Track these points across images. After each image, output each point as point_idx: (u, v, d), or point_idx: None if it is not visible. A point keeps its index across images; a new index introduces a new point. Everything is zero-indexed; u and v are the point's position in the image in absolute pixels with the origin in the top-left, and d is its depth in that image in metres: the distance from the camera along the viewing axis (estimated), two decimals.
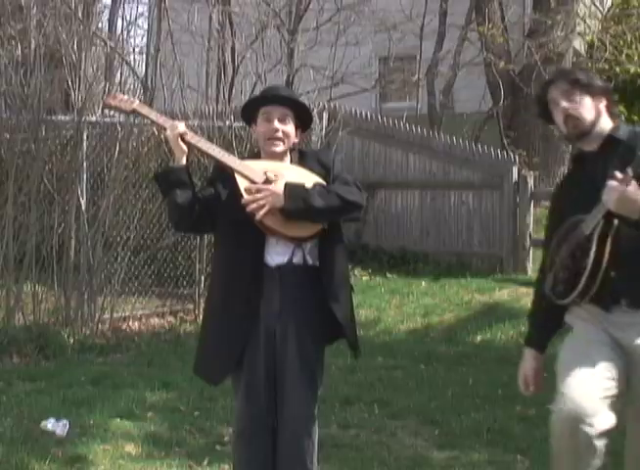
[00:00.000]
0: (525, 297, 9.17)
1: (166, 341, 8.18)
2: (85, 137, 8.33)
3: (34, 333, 7.65)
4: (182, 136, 3.67)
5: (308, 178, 3.60)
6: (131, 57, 14.94)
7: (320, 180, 3.61)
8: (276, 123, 3.64)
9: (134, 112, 3.85)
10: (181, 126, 3.70)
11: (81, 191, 8.22)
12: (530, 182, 10.28)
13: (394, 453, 5.09)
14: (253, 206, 3.49)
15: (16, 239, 7.86)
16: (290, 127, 3.70)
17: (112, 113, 10.23)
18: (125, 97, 3.90)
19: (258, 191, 3.51)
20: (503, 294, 9.36)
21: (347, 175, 3.73)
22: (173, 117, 9.45)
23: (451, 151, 10.88)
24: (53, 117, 8.34)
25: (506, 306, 8.93)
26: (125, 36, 14.88)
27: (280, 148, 3.67)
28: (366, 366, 7.09)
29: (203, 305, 8.98)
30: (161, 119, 3.80)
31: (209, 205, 3.67)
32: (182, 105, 9.93)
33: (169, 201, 3.70)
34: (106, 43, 12.64)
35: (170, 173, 3.72)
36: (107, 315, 8.30)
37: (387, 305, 9.30)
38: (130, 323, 8.58)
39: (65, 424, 5.38)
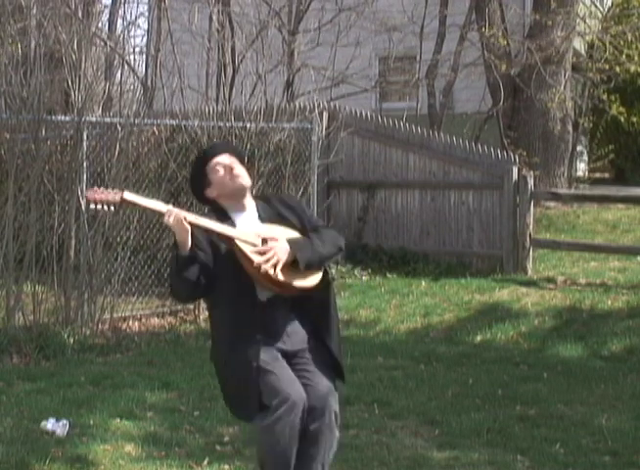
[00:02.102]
0: (525, 297, 9.17)
1: (166, 341, 8.18)
2: (85, 137, 8.33)
3: (34, 333, 7.66)
4: (185, 219, 3.72)
5: (291, 234, 3.86)
6: (131, 57, 14.97)
7: (298, 234, 3.88)
8: (228, 162, 3.90)
9: (123, 202, 3.79)
10: (179, 211, 3.74)
11: (81, 191, 8.22)
12: (530, 182, 10.28)
13: (394, 453, 5.09)
14: (268, 265, 3.69)
15: (16, 239, 7.86)
16: (241, 166, 3.93)
17: (111, 113, 10.27)
18: (108, 190, 3.83)
19: (266, 252, 3.72)
20: (503, 294, 9.36)
21: (319, 219, 4.06)
22: (173, 116, 9.48)
23: (451, 151, 10.87)
24: (53, 117, 8.34)
25: (506, 306, 8.93)
26: (125, 36, 14.88)
27: (245, 180, 3.91)
28: (366, 366, 7.09)
29: (203, 304, 9.00)
30: (155, 205, 3.81)
31: (209, 274, 3.79)
32: (182, 105, 9.94)
33: (179, 279, 3.77)
34: (106, 43, 12.66)
35: (181, 259, 3.75)
36: (107, 315, 8.30)
37: (387, 305, 9.30)
38: (130, 323, 8.58)
39: (65, 424, 5.38)
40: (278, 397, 3.69)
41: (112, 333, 8.20)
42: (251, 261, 3.71)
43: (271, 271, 3.69)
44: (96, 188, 3.82)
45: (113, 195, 3.75)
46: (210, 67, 12.21)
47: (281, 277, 3.72)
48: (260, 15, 12.95)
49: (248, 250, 3.74)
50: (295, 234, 3.87)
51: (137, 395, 6.20)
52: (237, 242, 3.75)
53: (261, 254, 3.72)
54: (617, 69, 13.39)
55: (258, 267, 3.69)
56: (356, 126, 11.10)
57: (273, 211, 3.95)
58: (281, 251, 3.73)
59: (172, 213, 3.72)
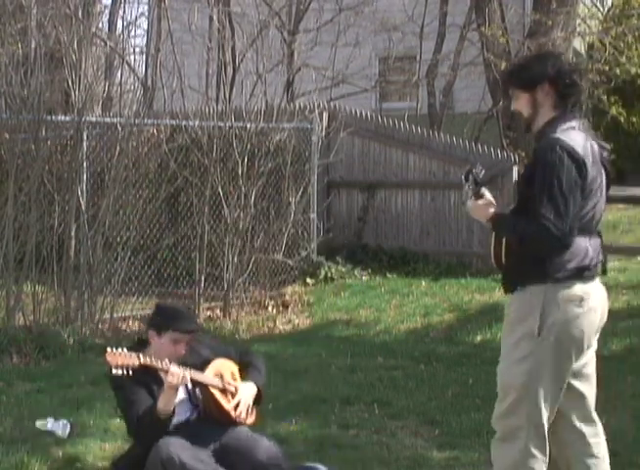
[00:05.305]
0: None
1: None
2: (85, 137, 8.34)
3: (34, 333, 7.66)
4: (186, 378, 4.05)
5: (231, 364, 4.38)
6: (131, 57, 14.98)
7: (234, 364, 4.40)
8: (183, 349, 4.20)
9: (141, 366, 3.99)
10: (185, 376, 4.03)
11: (81, 191, 8.22)
12: None
13: (394, 453, 5.09)
14: (243, 415, 4.23)
15: (16, 239, 7.86)
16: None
17: (111, 113, 10.27)
18: (124, 353, 3.99)
19: (238, 403, 4.23)
20: (503, 294, 9.34)
21: (233, 348, 4.58)
22: (173, 116, 9.48)
23: (451, 151, 10.87)
24: (53, 117, 8.34)
25: None
26: (125, 36, 14.91)
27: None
28: (366, 366, 7.09)
29: (203, 304, 9.01)
30: (165, 365, 4.04)
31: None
32: (182, 105, 9.95)
33: (155, 434, 4.04)
34: (106, 43, 12.67)
35: (165, 420, 4.04)
36: (107, 315, 8.30)
37: (387, 305, 9.30)
38: (130, 323, 8.58)
39: (65, 424, 5.37)
40: None
41: (112, 333, 8.20)
42: (221, 407, 4.19)
43: (243, 416, 4.22)
44: (114, 352, 3.96)
45: (129, 359, 3.95)
46: (210, 67, 12.22)
47: (250, 420, 4.29)
48: (260, 15, 12.95)
49: (218, 395, 4.21)
50: (231, 363, 4.36)
51: None
52: (211, 389, 4.19)
53: (235, 406, 4.20)
54: (617, 70, 13.38)
55: (226, 411, 4.18)
56: (356, 126, 11.09)
57: (195, 355, 4.29)
58: (248, 398, 4.25)
59: (176, 376, 3.99)
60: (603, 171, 3.70)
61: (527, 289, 3.63)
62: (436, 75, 14.67)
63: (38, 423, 5.36)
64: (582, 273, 3.59)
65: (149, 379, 4.11)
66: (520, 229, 3.59)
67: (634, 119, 15.28)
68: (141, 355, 3.96)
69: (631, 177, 16.06)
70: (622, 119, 14.72)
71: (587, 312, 3.60)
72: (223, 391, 4.21)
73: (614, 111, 14.33)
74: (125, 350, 3.97)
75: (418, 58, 15.54)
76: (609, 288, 9.68)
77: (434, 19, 14.64)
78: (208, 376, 4.20)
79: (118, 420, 5.60)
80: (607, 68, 13.37)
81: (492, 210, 3.71)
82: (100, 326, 8.17)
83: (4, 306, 7.81)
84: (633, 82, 14.81)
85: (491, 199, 3.74)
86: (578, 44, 15.53)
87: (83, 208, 8.16)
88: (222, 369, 4.28)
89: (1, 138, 8.21)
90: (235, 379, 4.31)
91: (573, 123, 3.66)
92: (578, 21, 14.29)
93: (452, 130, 12.39)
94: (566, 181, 3.49)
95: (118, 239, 8.36)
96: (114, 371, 3.91)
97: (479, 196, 3.73)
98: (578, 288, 3.58)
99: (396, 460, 4.98)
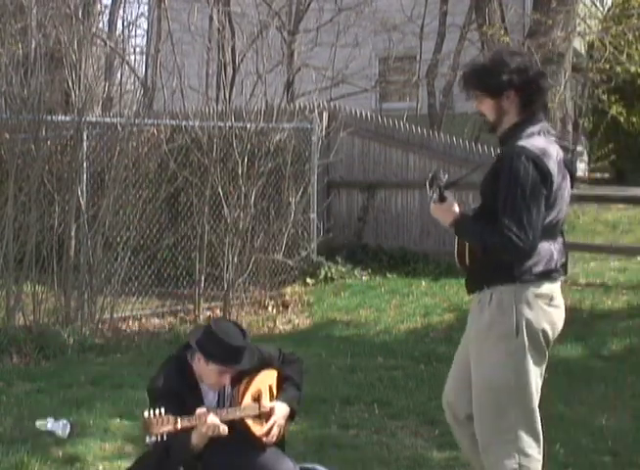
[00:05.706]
0: None
1: (166, 341, 8.18)
2: (85, 137, 8.34)
3: (34, 333, 7.66)
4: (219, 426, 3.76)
5: (271, 375, 4.13)
6: (131, 57, 15.00)
7: (274, 372, 4.14)
8: (227, 381, 3.96)
9: (179, 431, 3.67)
10: (223, 428, 3.74)
11: (81, 191, 8.23)
12: None
13: (394, 453, 5.09)
14: (274, 438, 3.99)
15: (16, 239, 7.86)
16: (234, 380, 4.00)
17: (112, 113, 10.27)
18: (162, 418, 3.62)
19: (271, 427, 3.98)
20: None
21: (276, 351, 4.23)
22: (173, 117, 9.48)
23: (451, 151, 10.87)
24: (53, 117, 8.34)
25: None
26: (125, 36, 14.93)
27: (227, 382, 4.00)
28: (366, 366, 7.09)
29: (203, 304, 9.02)
30: (202, 419, 3.72)
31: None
32: (182, 105, 9.95)
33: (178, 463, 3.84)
34: (106, 43, 12.68)
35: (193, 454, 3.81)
36: (107, 315, 8.30)
37: (387, 305, 9.30)
38: (130, 323, 8.58)
39: (65, 424, 5.37)
40: None
41: (112, 333, 8.20)
42: (253, 434, 3.95)
43: (274, 440, 3.99)
44: (150, 419, 3.60)
45: (168, 426, 3.63)
46: (210, 67, 12.22)
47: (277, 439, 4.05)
48: (260, 15, 12.96)
49: (251, 423, 3.97)
50: (272, 374, 4.11)
51: (137, 395, 6.18)
52: (245, 419, 3.95)
53: (268, 430, 3.96)
54: (618, 69, 13.38)
55: (258, 437, 3.95)
56: (356, 126, 11.09)
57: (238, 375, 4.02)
58: (281, 420, 4.01)
59: (211, 427, 3.72)
60: (567, 175, 3.70)
61: (497, 289, 3.66)
62: (436, 75, 14.67)
63: (38, 423, 5.35)
64: (550, 275, 3.63)
65: (187, 396, 3.91)
66: (484, 238, 3.61)
67: (634, 119, 15.27)
68: (179, 420, 3.65)
69: (631, 177, 16.06)
70: (622, 119, 14.72)
71: (556, 309, 3.67)
72: (258, 415, 4.03)
73: (614, 110, 14.33)
74: (163, 411, 3.62)
75: (418, 58, 15.55)
76: (609, 288, 9.72)
77: (434, 19, 14.64)
78: (243, 408, 3.96)
79: (118, 420, 5.63)
80: (607, 67, 13.38)
81: (454, 214, 3.72)
82: (100, 326, 8.17)
83: (4, 306, 7.81)
84: (633, 82, 14.81)
85: (453, 203, 3.74)
86: (578, 44, 15.53)
87: (83, 208, 8.16)
88: (262, 386, 4.08)
89: (1, 138, 8.21)
90: (272, 395, 4.09)
91: (537, 128, 3.64)
92: (578, 20, 14.29)
93: (452, 130, 12.39)
94: (530, 191, 3.49)
95: (118, 239, 8.36)
96: (147, 440, 3.69)
97: (442, 200, 3.75)
98: (547, 287, 3.63)
99: (396, 460, 4.99)
